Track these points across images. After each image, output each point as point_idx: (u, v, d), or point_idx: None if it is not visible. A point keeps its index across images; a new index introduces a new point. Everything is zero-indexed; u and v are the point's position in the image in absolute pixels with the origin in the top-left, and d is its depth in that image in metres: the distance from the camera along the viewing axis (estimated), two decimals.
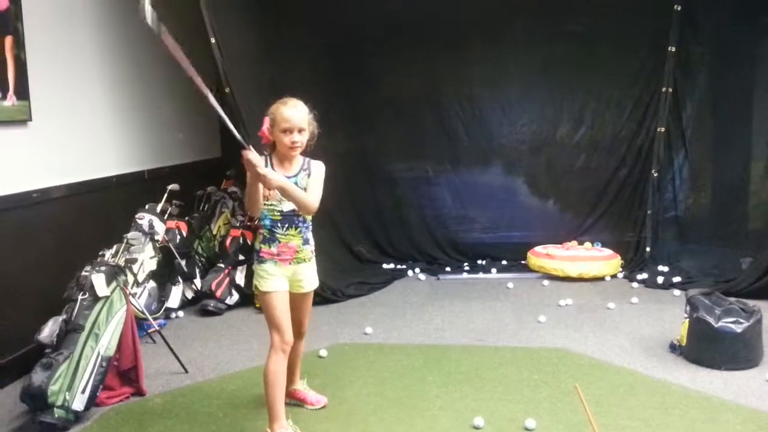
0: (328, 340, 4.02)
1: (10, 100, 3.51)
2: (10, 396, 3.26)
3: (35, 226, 3.70)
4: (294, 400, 3.10)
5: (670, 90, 5.54)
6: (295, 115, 2.64)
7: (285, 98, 2.71)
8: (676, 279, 5.12)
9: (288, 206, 2.71)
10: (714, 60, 5.52)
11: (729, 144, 5.50)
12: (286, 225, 2.73)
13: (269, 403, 2.71)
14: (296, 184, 2.69)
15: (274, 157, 2.73)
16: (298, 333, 2.90)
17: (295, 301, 2.84)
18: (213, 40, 4.31)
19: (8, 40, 3.48)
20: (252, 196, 2.63)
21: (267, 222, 2.74)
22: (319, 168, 2.78)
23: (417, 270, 5.68)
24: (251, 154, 2.46)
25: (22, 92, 3.59)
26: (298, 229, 2.75)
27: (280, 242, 2.73)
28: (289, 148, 2.66)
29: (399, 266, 5.75)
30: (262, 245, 2.75)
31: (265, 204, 2.70)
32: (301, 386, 3.15)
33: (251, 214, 2.95)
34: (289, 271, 2.77)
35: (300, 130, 2.65)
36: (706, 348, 3.51)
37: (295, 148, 2.66)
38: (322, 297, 4.74)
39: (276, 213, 2.72)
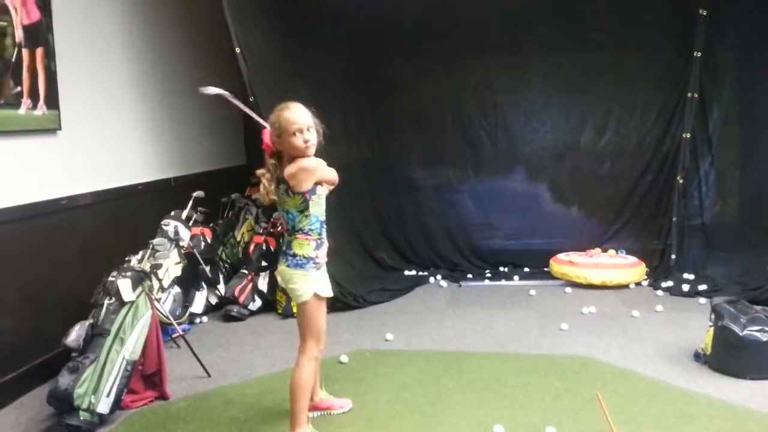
0: (349, 346, 4.04)
1: (41, 110, 3.60)
2: (38, 399, 3.33)
3: (63, 233, 3.79)
4: (320, 411, 3.09)
5: (696, 95, 5.47)
6: (299, 114, 2.66)
7: (280, 105, 2.72)
8: (702, 287, 5.05)
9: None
10: (740, 64, 5.45)
11: (756, 150, 5.40)
12: (326, 226, 2.76)
13: (297, 409, 2.74)
14: (316, 191, 2.72)
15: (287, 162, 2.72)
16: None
17: (323, 306, 2.85)
18: (238, 50, 4.37)
19: (39, 52, 3.58)
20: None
21: (318, 225, 2.74)
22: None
23: (438, 277, 5.68)
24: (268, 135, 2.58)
25: (52, 102, 3.69)
26: (325, 229, 2.78)
27: (324, 245, 2.76)
28: (304, 148, 2.65)
29: (420, 273, 5.75)
30: (317, 251, 2.73)
31: (318, 205, 2.72)
32: (323, 395, 3.17)
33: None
34: (323, 276, 2.79)
35: (308, 128, 2.67)
36: (731, 357, 3.45)
37: (309, 146, 2.66)
38: (343, 303, 4.77)
39: (323, 212, 2.75)
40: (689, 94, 5.48)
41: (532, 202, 5.92)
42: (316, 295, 2.74)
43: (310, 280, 2.73)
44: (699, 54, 5.41)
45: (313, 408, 3.06)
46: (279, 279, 4.77)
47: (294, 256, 2.73)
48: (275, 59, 4.99)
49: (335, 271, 4.78)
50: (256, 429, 2.99)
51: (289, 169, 2.66)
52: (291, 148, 2.66)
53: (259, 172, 2.75)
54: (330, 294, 2.78)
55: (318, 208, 2.73)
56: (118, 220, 4.26)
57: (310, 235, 2.72)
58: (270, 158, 2.73)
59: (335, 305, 4.79)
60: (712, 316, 3.61)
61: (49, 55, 3.66)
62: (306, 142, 2.65)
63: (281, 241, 2.84)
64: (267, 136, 2.72)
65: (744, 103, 5.49)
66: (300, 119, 2.65)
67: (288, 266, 2.74)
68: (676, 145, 5.59)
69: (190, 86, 5.46)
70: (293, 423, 2.75)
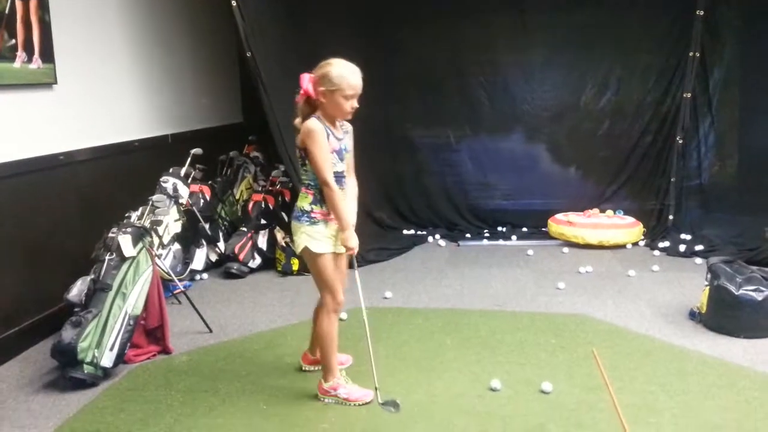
0: (348, 303, 4.00)
1: (36, 63, 3.55)
2: (41, 353, 3.38)
3: (62, 188, 3.78)
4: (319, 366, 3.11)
5: (698, 55, 5.42)
6: (359, 80, 2.65)
7: (339, 61, 2.65)
8: (699, 247, 5.08)
9: (341, 167, 2.73)
10: (743, 24, 5.38)
11: (757, 111, 5.38)
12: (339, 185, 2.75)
13: (325, 359, 2.82)
14: (345, 149, 2.74)
15: (322, 116, 2.68)
16: None
17: (341, 262, 2.86)
18: (234, 3, 4.29)
19: (33, 3, 3.52)
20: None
21: (313, 180, 2.72)
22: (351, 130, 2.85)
23: (437, 236, 5.70)
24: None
25: (47, 55, 3.64)
26: (344, 190, 2.77)
27: (323, 203, 2.74)
28: (347, 113, 2.67)
29: (419, 232, 5.78)
30: (313, 206, 2.71)
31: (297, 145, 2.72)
32: None
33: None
34: (335, 231, 2.77)
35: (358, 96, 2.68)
36: (725, 316, 3.50)
37: (352, 113, 2.69)
38: None
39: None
40: (691, 54, 5.43)
41: (530, 162, 5.91)
42: (308, 249, 2.73)
43: (303, 234, 2.73)
44: (701, 13, 5.34)
45: (314, 362, 3.10)
46: (278, 237, 4.82)
47: (296, 208, 2.77)
48: (272, 15, 4.91)
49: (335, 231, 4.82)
50: (257, 382, 3.04)
51: (303, 130, 2.66)
52: (334, 107, 2.65)
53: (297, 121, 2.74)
54: (327, 250, 2.74)
55: None
56: (116, 176, 4.24)
57: (309, 189, 2.74)
58: (304, 104, 2.70)
59: None
60: (708, 276, 3.65)
61: (43, 7, 3.59)
62: (353, 108, 2.66)
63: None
64: (308, 82, 2.65)
65: (745, 64, 5.44)
66: (359, 86, 2.65)
67: (293, 218, 2.79)
68: (676, 105, 5.57)
69: (187, 42, 5.40)
70: (325, 372, 2.84)
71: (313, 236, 2.72)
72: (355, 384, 2.86)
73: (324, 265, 2.75)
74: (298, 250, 2.77)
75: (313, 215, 2.72)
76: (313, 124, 2.63)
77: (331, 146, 2.65)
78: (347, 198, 2.79)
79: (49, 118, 3.72)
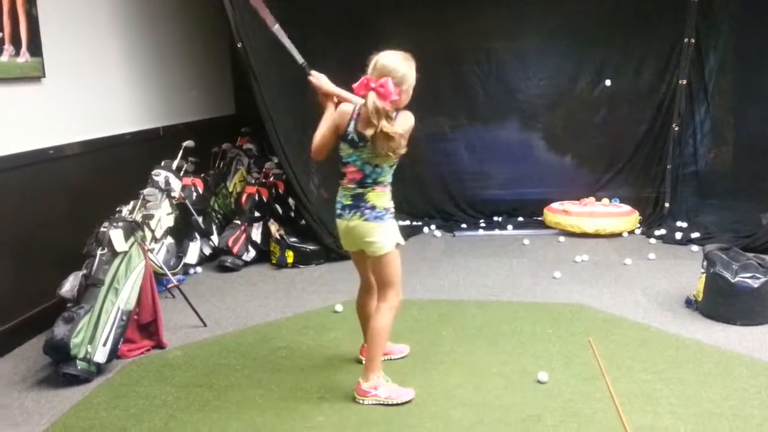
0: (343, 295, 4.05)
1: (23, 57, 3.51)
2: (34, 349, 3.34)
3: (52, 183, 3.74)
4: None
5: (693, 41, 5.39)
6: None
7: (397, 54, 2.62)
8: (695, 235, 5.07)
9: None
10: (738, 9, 5.34)
11: (753, 97, 5.35)
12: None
13: (373, 355, 2.72)
14: None
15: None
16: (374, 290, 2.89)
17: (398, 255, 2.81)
18: None
19: None
20: (325, 134, 2.64)
21: (390, 177, 2.70)
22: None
23: (433, 227, 5.68)
24: (314, 78, 2.59)
25: (35, 49, 3.59)
26: None
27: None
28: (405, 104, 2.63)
29: (415, 223, 5.75)
30: (391, 201, 2.71)
31: (389, 154, 2.59)
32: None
33: (317, 157, 2.74)
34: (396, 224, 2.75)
35: None
36: (722, 303, 3.49)
37: None
38: (338, 254, 4.77)
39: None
40: (686, 40, 5.40)
41: (526, 150, 5.88)
42: (397, 244, 2.71)
43: (390, 231, 2.68)
44: None
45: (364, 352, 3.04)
46: (272, 229, 4.78)
47: (373, 208, 2.66)
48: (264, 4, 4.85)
49: (330, 223, 4.79)
50: (251, 375, 3.02)
51: (402, 126, 2.57)
52: (405, 100, 2.62)
53: (383, 126, 2.53)
54: (403, 241, 2.73)
55: (390, 161, 2.68)
56: (107, 170, 4.20)
57: (387, 186, 2.70)
58: (390, 108, 2.55)
59: (330, 256, 4.80)
60: (704, 263, 3.64)
61: (30, 0, 3.54)
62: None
63: (348, 193, 2.72)
64: (390, 84, 2.53)
65: (741, 50, 5.41)
66: None
67: (366, 220, 2.66)
68: (671, 92, 5.54)
69: (178, 33, 5.34)
70: (369, 368, 2.73)
71: (397, 230, 2.72)
72: (394, 383, 2.78)
73: (398, 259, 2.73)
74: (385, 250, 2.66)
75: (392, 210, 2.72)
76: (411, 115, 2.62)
77: None
78: None
79: (38, 112, 3.68)
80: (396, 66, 2.58)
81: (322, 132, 2.70)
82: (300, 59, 2.70)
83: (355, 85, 2.59)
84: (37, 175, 3.61)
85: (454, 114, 5.91)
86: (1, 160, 3.35)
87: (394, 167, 2.70)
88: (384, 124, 2.52)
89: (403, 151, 2.62)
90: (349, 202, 2.70)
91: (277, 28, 2.71)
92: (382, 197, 2.68)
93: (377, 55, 2.62)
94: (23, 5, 3.49)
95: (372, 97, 2.52)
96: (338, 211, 2.76)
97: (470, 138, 5.94)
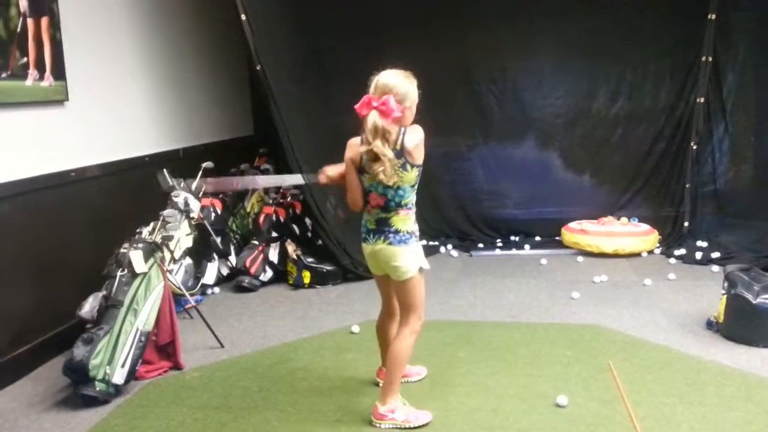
0: (360, 316, 4.05)
1: (47, 81, 3.58)
2: (53, 370, 3.37)
3: (73, 205, 3.80)
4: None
5: (710, 59, 5.37)
6: None
7: (397, 72, 2.62)
8: (715, 255, 5.01)
9: None
10: (756, 27, 5.32)
11: None
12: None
13: (392, 379, 2.71)
14: None
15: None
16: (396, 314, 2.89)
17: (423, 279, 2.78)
18: (243, 17, 4.31)
19: (44, 21, 3.54)
20: (352, 184, 2.67)
21: (413, 198, 2.68)
22: None
23: (449, 246, 5.67)
24: (323, 177, 2.71)
25: (59, 73, 3.66)
26: None
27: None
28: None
29: (431, 243, 5.74)
30: (415, 224, 2.68)
31: (381, 177, 2.56)
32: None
33: (356, 208, 2.74)
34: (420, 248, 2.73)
35: None
36: (743, 325, 3.44)
37: None
38: (354, 274, 4.78)
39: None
40: (703, 59, 5.38)
41: (543, 169, 5.86)
42: (420, 269, 2.68)
43: (415, 255, 2.66)
44: (713, 17, 5.29)
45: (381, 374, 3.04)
46: (290, 249, 4.79)
47: (397, 232, 2.63)
48: (282, 28, 4.93)
49: (347, 243, 4.81)
50: (269, 398, 3.01)
51: (412, 140, 2.56)
52: (410, 117, 2.61)
53: (375, 146, 2.50)
54: (428, 265, 2.72)
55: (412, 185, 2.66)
56: (127, 192, 4.25)
57: (411, 209, 2.67)
58: (390, 127, 2.53)
59: (347, 276, 4.80)
60: (725, 284, 3.59)
61: (54, 25, 3.62)
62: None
63: (372, 218, 2.70)
64: (392, 101, 2.52)
65: (759, 67, 5.37)
66: None
67: (390, 243, 2.64)
68: (689, 110, 5.51)
69: (197, 55, 5.42)
70: (386, 391, 2.71)
71: (422, 254, 2.70)
72: (411, 406, 2.76)
73: (422, 284, 2.70)
74: (409, 274, 2.64)
75: (416, 234, 2.69)
76: (421, 130, 2.61)
77: None
78: None
79: (61, 135, 3.74)
80: (397, 83, 2.58)
81: (349, 186, 2.70)
82: (300, 180, 2.71)
83: (357, 106, 2.58)
84: (58, 197, 3.67)
85: (470, 133, 5.91)
86: (24, 183, 3.41)
87: (416, 187, 2.68)
88: (377, 144, 2.51)
89: (420, 160, 2.60)
90: (373, 227, 2.69)
91: (245, 181, 2.71)
92: (406, 221, 2.66)
93: (378, 75, 2.62)
94: (48, 30, 3.56)
95: (373, 116, 2.52)
96: (363, 235, 2.76)
97: (486, 157, 5.93)
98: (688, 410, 2.75)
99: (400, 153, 2.56)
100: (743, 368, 3.15)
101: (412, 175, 2.61)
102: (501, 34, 5.69)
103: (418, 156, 2.59)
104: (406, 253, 2.64)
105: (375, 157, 2.54)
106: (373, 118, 2.52)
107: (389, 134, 2.53)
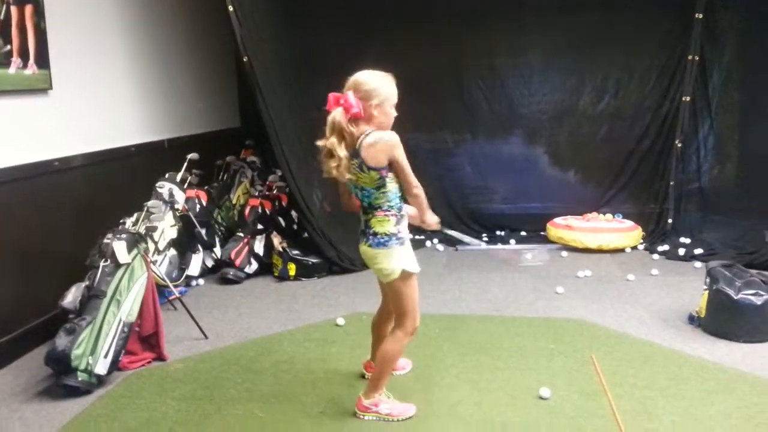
0: (345, 309, 4.05)
1: (31, 69, 3.54)
2: (35, 360, 3.34)
3: (57, 194, 3.76)
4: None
5: (697, 58, 5.40)
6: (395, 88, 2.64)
7: (370, 72, 2.60)
8: (698, 251, 5.06)
9: None
10: (742, 26, 5.36)
11: (756, 114, 5.36)
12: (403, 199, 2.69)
13: (379, 376, 2.71)
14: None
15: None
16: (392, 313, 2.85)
17: (415, 281, 2.74)
18: (231, 8, 4.28)
19: (28, 9, 3.50)
20: (341, 192, 2.72)
21: (397, 200, 2.62)
22: None
23: (435, 240, 5.68)
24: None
25: (43, 61, 3.61)
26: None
27: (405, 218, 2.67)
28: (392, 120, 2.63)
29: (417, 237, 5.73)
30: (397, 227, 2.60)
31: (396, 181, 2.59)
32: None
33: (350, 209, 2.76)
34: (408, 250, 2.69)
35: None
36: (725, 320, 3.48)
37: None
38: (340, 267, 4.78)
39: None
40: (690, 57, 5.42)
41: (529, 165, 5.89)
42: (405, 271, 2.61)
43: (396, 257, 2.59)
44: (700, 15, 5.33)
45: (370, 367, 3.06)
46: (275, 242, 4.78)
47: (375, 234, 2.59)
48: (269, 19, 4.90)
49: (332, 236, 4.81)
50: (253, 389, 3.01)
51: (368, 142, 2.51)
52: (386, 117, 2.59)
53: (330, 142, 2.51)
54: (418, 269, 2.65)
55: (396, 183, 2.60)
56: (112, 182, 4.22)
57: (389, 211, 2.60)
58: (349, 125, 2.51)
59: (333, 269, 4.80)
60: (707, 280, 3.63)
61: (39, 13, 3.57)
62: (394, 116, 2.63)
63: (360, 218, 2.69)
64: (353, 98, 2.52)
65: (745, 66, 5.42)
66: (396, 92, 2.63)
67: (370, 246, 2.61)
68: (675, 108, 5.55)
69: (183, 46, 5.38)
70: (372, 387, 2.72)
71: (407, 256, 2.64)
72: (395, 400, 2.77)
73: (414, 286, 2.67)
74: (392, 276, 2.59)
75: (400, 236, 2.62)
76: (390, 135, 2.56)
77: None
78: None
79: (44, 124, 3.70)
80: (365, 80, 2.57)
81: (339, 188, 2.77)
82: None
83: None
84: (41, 187, 3.63)
85: (458, 129, 5.93)
86: (7, 171, 3.37)
87: (389, 191, 2.58)
88: (331, 140, 2.50)
89: (377, 163, 2.52)
90: (361, 227, 2.69)
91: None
92: (383, 223, 2.60)
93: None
94: (32, 18, 3.52)
95: (335, 112, 2.53)
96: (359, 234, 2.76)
97: (473, 153, 5.95)
98: (669, 404, 2.78)
99: (357, 153, 2.52)
100: (724, 363, 3.19)
101: (371, 177, 2.54)
102: (490, 31, 5.70)
103: (371, 158, 2.50)
104: (385, 256, 2.61)
105: (329, 153, 2.53)
106: (333, 114, 2.53)
107: (346, 132, 2.51)
